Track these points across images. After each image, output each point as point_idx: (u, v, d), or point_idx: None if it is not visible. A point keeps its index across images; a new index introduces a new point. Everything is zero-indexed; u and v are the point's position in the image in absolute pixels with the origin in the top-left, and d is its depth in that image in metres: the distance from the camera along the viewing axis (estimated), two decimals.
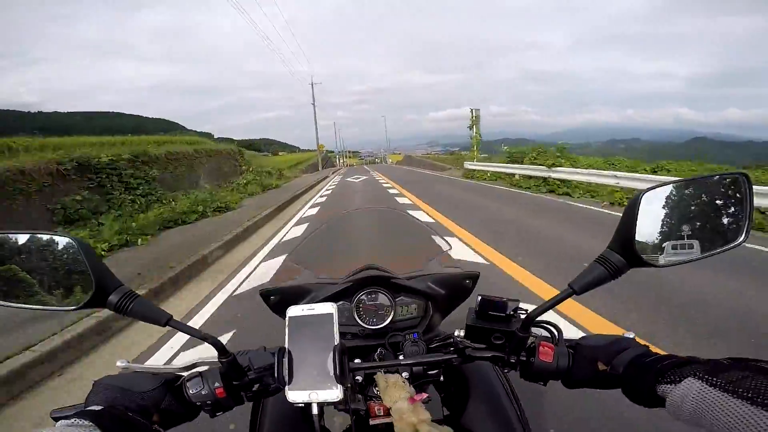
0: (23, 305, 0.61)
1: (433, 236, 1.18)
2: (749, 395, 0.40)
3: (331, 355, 0.60)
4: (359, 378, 0.74)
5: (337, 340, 0.62)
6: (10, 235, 0.61)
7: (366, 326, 0.91)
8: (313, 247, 1.18)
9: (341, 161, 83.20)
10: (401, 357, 0.78)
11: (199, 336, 0.63)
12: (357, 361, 0.79)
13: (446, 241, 1.15)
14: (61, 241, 0.60)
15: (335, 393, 0.59)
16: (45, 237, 0.61)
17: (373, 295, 0.93)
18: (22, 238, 0.61)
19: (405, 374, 0.72)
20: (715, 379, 0.44)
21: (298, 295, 0.94)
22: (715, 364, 0.47)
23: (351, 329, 0.92)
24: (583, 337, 0.68)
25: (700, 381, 0.45)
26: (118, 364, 0.71)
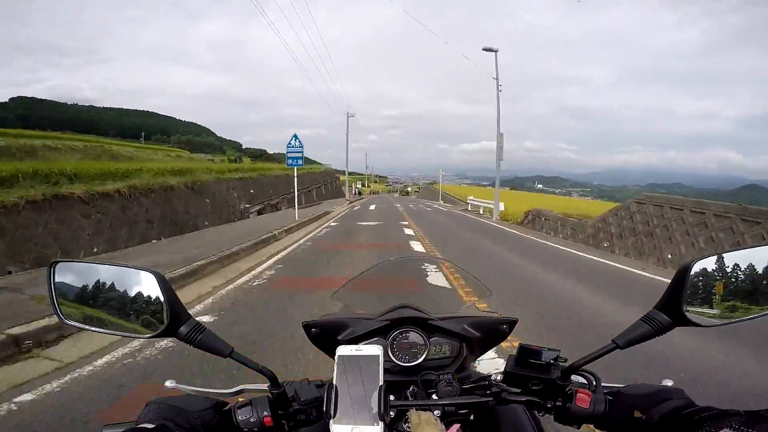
0: (100, 330, 0.66)
1: (475, 282, 1.20)
2: None
3: (376, 393, 0.63)
4: (392, 413, 0.76)
5: (381, 380, 0.65)
6: (94, 266, 0.68)
7: (399, 363, 0.92)
8: (356, 287, 1.21)
9: (353, 189, 60.42)
10: (434, 395, 0.80)
11: (257, 368, 0.66)
12: (391, 397, 0.80)
13: (487, 288, 1.17)
14: (144, 274, 0.65)
15: (377, 429, 0.61)
16: (130, 269, 0.67)
17: (408, 334, 0.94)
18: (105, 269, 0.67)
19: (437, 412, 0.74)
20: (751, 430, 0.44)
21: (338, 329, 0.96)
22: (754, 417, 0.47)
23: (385, 365, 0.93)
24: (626, 386, 0.69)
25: None
26: (167, 384, 0.74)
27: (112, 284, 0.66)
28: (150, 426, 0.56)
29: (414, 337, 0.94)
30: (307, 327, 0.96)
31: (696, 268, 0.61)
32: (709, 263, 0.62)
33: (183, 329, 0.64)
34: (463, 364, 0.96)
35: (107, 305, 0.66)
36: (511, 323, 0.98)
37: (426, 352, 0.93)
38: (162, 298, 0.63)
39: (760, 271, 0.62)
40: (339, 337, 0.95)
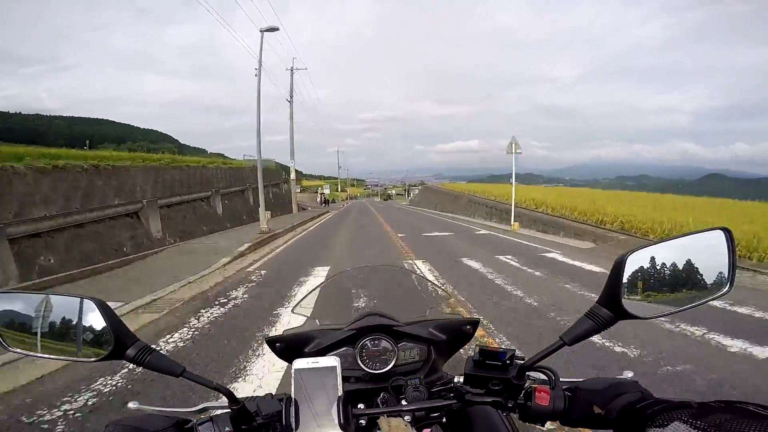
0: (48, 356, 0.66)
1: (433, 287, 1.21)
2: None
3: (336, 405, 0.64)
4: (362, 422, 0.76)
5: (340, 391, 0.66)
6: (34, 296, 0.68)
7: (369, 371, 0.93)
8: (320, 298, 1.21)
9: (319, 196, 55.91)
10: (404, 401, 0.81)
11: (211, 386, 0.66)
12: (360, 405, 0.81)
13: (446, 290, 1.19)
14: (86, 302, 0.65)
15: None
16: (71, 298, 0.67)
17: (376, 341, 0.95)
18: (45, 298, 0.68)
19: (407, 417, 0.74)
20: (699, 422, 0.46)
21: (303, 343, 0.96)
22: (704, 408, 0.49)
23: (355, 373, 0.93)
24: (583, 381, 0.71)
25: (686, 425, 0.47)
26: (130, 405, 0.73)
27: (56, 312, 0.66)
28: None
29: (383, 344, 0.95)
30: (271, 342, 0.96)
31: (631, 260, 0.62)
32: (644, 254, 0.63)
33: (130, 351, 0.63)
34: (433, 367, 0.97)
35: (52, 332, 0.66)
36: (474, 324, 0.99)
37: (395, 359, 0.94)
38: (106, 323, 0.63)
39: (695, 259, 0.64)
40: (306, 350, 0.96)
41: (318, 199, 46.54)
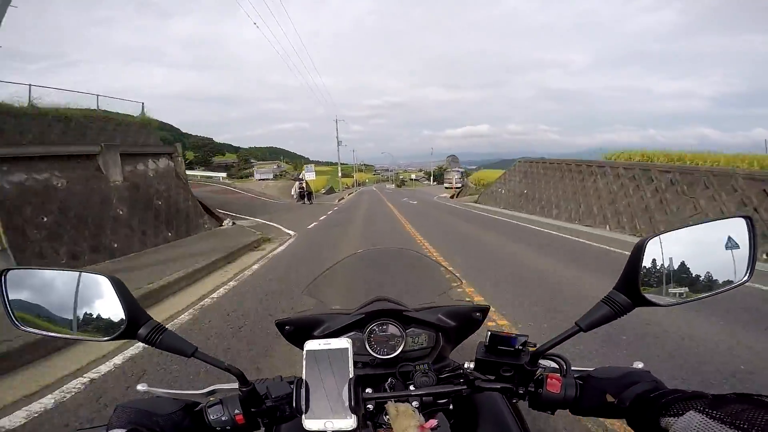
0: (59, 335, 0.65)
1: (444, 271, 1.20)
2: (745, 427, 0.42)
3: (346, 387, 0.63)
4: (370, 406, 0.76)
5: (351, 373, 0.65)
6: (47, 272, 0.67)
7: (377, 356, 0.93)
8: (327, 282, 1.20)
9: (295, 188, 27.73)
10: (411, 387, 0.80)
11: (222, 367, 0.65)
12: (368, 390, 0.81)
13: (457, 276, 1.17)
14: (98, 279, 0.65)
15: (349, 422, 0.62)
16: (83, 275, 0.66)
17: (385, 327, 0.95)
18: (60, 275, 0.67)
19: (415, 403, 0.74)
20: (715, 412, 0.46)
21: (312, 326, 0.97)
22: (719, 399, 0.48)
23: (362, 358, 0.94)
24: (595, 369, 0.70)
25: (701, 414, 0.47)
26: (139, 387, 0.74)
27: (69, 290, 0.66)
28: (120, 431, 0.55)
29: (391, 329, 0.95)
30: (280, 325, 0.96)
31: (651, 245, 0.61)
32: (665, 240, 0.62)
33: (142, 331, 0.63)
34: (441, 354, 0.97)
35: (64, 311, 0.65)
36: (484, 311, 0.99)
37: (403, 344, 0.93)
38: (119, 302, 0.63)
39: (716, 246, 0.63)
40: (315, 333, 0.96)
41: (293, 192, 27.52)
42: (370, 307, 0.98)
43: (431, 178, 70.97)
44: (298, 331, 0.95)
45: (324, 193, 42.76)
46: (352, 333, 0.95)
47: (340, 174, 57.34)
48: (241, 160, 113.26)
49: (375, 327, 0.95)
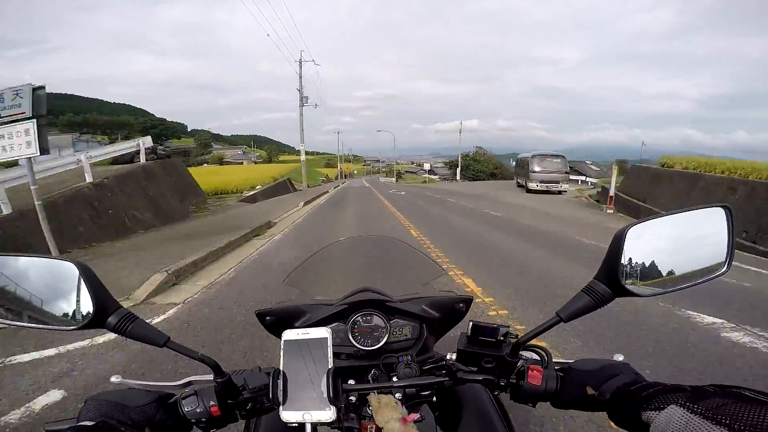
0: (24, 324, 0.62)
1: (427, 261, 1.20)
2: (727, 422, 0.42)
3: (325, 377, 0.62)
4: (353, 398, 0.76)
5: (330, 363, 0.64)
6: (11, 258, 0.64)
7: (361, 347, 0.92)
8: (309, 270, 1.19)
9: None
10: (395, 378, 0.80)
11: (195, 357, 0.64)
12: (351, 381, 0.81)
13: (440, 266, 1.17)
14: (64, 265, 0.62)
15: (328, 414, 0.61)
16: (48, 260, 0.63)
17: (368, 317, 0.94)
18: (24, 262, 0.63)
19: (398, 395, 0.74)
20: (696, 406, 0.46)
21: (294, 317, 0.95)
22: (699, 392, 0.49)
23: (346, 350, 0.93)
24: (575, 361, 0.70)
25: (683, 408, 0.47)
26: (113, 379, 0.72)
27: (34, 277, 0.63)
28: (90, 424, 0.54)
29: (375, 320, 0.94)
30: (260, 315, 0.94)
31: (632, 234, 0.60)
32: (645, 229, 0.62)
33: (111, 319, 0.61)
34: (424, 345, 0.96)
35: (28, 298, 0.62)
36: (467, 301, 0.99)
37: (387, 335, 0.93)
38: (87, 290, 0.60)
39: (695, 235, 0.63)
40: (296, 324, 0.95)
41: None
42: (353, 297, 0.96)
43: (457, 170, 50.68)
44: (279, 321, 0.94)
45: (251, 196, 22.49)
46: (334, 324, 0.94)
47: (303, 156, 33.37)
48: (199, 145, 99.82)
49: (359, 318, 0.94)
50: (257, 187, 27.63)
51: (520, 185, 25.46)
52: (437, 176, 79.15)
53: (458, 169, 51.03)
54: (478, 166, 56.93)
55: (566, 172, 23.26)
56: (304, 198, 18.79)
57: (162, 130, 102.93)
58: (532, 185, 22.37)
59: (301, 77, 31.85)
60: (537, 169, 22.35)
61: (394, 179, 67.10)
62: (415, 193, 24.56)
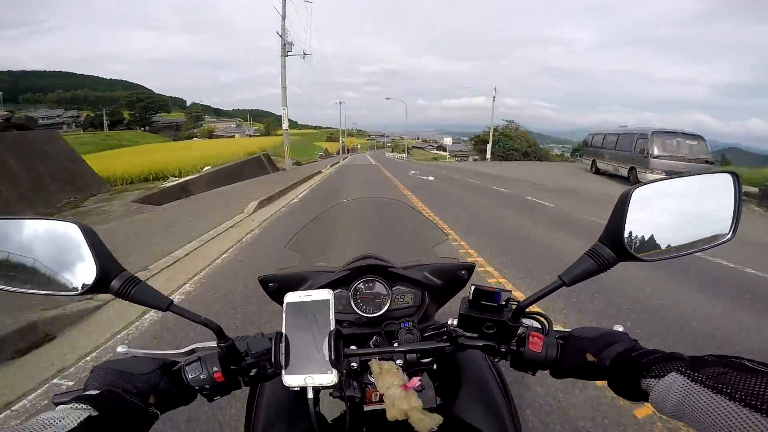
0: (25, 290, 0.61)
1: (430, 226, 1.19)
2: (728, 391, 0.42)
3: (327, 340, 0.62)
4: (354, 365, 0.76)
5: (332, 325, 0.64)
6: (10, 221, 0.62)
7: (362, 314, 0.93)
8: (311, 236, 1.18)
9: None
10: (396, 345, 0.80)
11: (199, 321, 0.64)
12: (353, 347, 0.81)
13: (443, 232, 1.17)
14: (65, 226, 0.60)
15: (330, 377, 0.61)
16: (48, 222, 0.62)
17: (370, 284, 0.94)
18: (24, 224, 0.61)
19: (399, 362, 0.74)
20: (696, 374, 0.46)
21: (296, 283, 0.96)
22: (698, 361, 0.49)
23: (348, 317, 0.93)
24: (574, 329, 0.70)
25: (683, 376, 0.47)
26: (119, 349, 0.73)
27: (35, 239, 0.61)
28: (95, 392, 0.54)
29: (377, 287, 0.95)
30: (263, 282, 0.95)
31: (636, 195, 0.59)
32: (649, 191, 0.60)
33: (115, 283, 0.60)
34: (426, 313, 0.97)
35: (30, 262, 0.61)
36: (469, 269, 0.99)
37: (389, 302, 0.93)
38: (90, 252, 0.59)
39: (701, 201, 0.62)
40: (299, 290, 0.95)
41: None
42: (355, 263, 0.97)
43: (486, 147, 39.68)
44: (281, 288, 0.94)
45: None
46: (337, 290, 0.94)
47: (285, 124, 22.62)
48: (190, 118, 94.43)
49: (361, 284, 0.94)
50: (205, 168, 19.66)
51: (599, 171, 18.65)
52: (447, 153, 70.85)
53: (489, 146, 40.15)
54: (510, 143, 44.03)
55: (707, 161, 14.88)
56: (269, 190, 11.44)
57: (149, 103, 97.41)
58: (650, 175, 13.89)
59: (284, 18, 21.95)
60: (661, 152, 14.63)
61: (404, 155, 60.97)
62: (456, 181, 16.35)
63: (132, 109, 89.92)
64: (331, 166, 28.09)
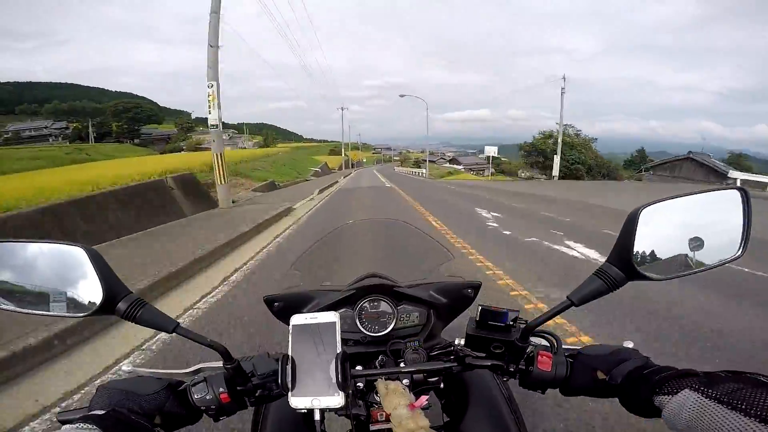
0: (32, 311, 0.62)
1: (436, 245, 1.19)
2: (743, 407, 0.41)
3: (334, 362, 0.62)
4: (360, 384, 0.76)
5: (339, 348, 0.63)
6: (19, 245, 0.63)
7: (368, 333, 0.92)
8: (317, 256, 1.19)
9: None
10: (402, 364, 0.80)
11: (205, 343, 0.64)
12: (358, 367, 0.81)
13: (448, 251, 1.16)
14: (71, 249, 0.61)
15: (337, 399, 0.61)
16: (56, 246, 0.63)
17: (376, 303, 0.94)
18: (31, 247, 0.63)
19: (405, 381, 0.74)
20: (710, 390, 0.45)
21: (301, 303, 0.95)
22: (712, 377, 0.48)
23: (353, 336, 0.93)
24: (584, 347, 0.69)
25: (696, 393, 0.46)
26: (124, 368, 0.73)
27: (42, 263, 0.62)
28: (101, 412, 0.54)
29: (382, 306, 0.94)
30: (269, 302, 0.95)
31: (645, 214, 0.59)
32: (658, 210, 0.60)
33: (121, 305, 0.60)
34: (432, 332, 0.96)
35: (37, 285, 0.62)
36: (476, 287, 0.98)
37: (394, 321, 0.93)
38: (96, 275, 0.60)
39: (710, 218, 0.62)
40: (304, 310, 0.95)
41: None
42: (361, 283, 0.96)
43: (555, 160, 29.78)
44: (287, 307, 0.94)
45: None
46: (342, 310, 0.94)
47: (214, 114, 10.99)
48: (181, 130, 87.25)
49: (366, 303, 0.94)
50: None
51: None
52: (462, 166, 64.60)
53: (557, 160, 29.81)
54: (573, 155, 33.75)
55: None
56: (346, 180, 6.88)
57: (137, 113, 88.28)
58: None
59: None
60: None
61: (425, 171, 43.83)
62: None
63: (119, 119, 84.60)
64: (322, 191, 18.98)
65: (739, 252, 0.61)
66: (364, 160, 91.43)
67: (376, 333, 0.92)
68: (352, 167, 58.54)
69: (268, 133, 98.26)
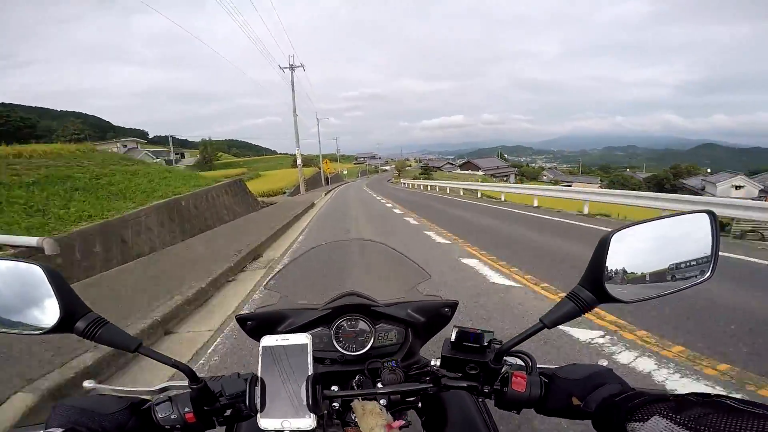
0: None
1: (413, 265, 1.19)
2: None
3: (305, 384, 0.61)
4: (336, 405, 0.75)
5: (310, 370, 0.62)
6: None
7: (345, 352, 0.90)
8: (293, 274, 1.17)
9: None
10: (379, 384, 0.78)
11: (169, 363, 0.62)
12: (334, 387, 0.79)
13: (425, 270, 1.16)
14: (30, 268, 0.60)
15: (308, 422, 0.59)
16: (11, 262, 0.61)
17: (353, 322, 0.92)
18: None
19: (383, 401, 0.73)
20: (679, 417, 0.46)
21: (275, 321, 0.93)
22: (682, 402, 0.49)
23: (330, 355, 0.91)
24: (559, 368, 0.70)
25: (666, 419, 0.47)
26: (86, 384, 0.70)
27: None
28: (59, 431, 0.52)
29: (360, 325, 0.92)
30: (241, 320, 0.92)
31: (615, 239, 0.60)
32: (628, 235, 0.61)
33: (80, 324, 0.59)
34: (410, 350, 0.95)
35: None
36: (452, 306, 0.98)
37: (372, 340, 0.91)
38: (53, 293, 0.58)
39: (679, 242, 0.63)
40: (279, 329, 0.93)
41: None
42: (338, 301, 0.95)
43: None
44: (260, 326, 0.92)
45: None
46: (319, 328, 0.92)
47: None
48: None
49: (343, 322, 0.92)
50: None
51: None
52: (482, 171, 56.93)
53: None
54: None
55: None
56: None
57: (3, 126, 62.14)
58: None
59: None
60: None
61: (448, 183, 28.86)
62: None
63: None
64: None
65: (709, 274, 0.63)
66: (345, 172, 74.82)
67: (353, 352, 0.90)
68: (328, 183, 45.52)
69: (206, 147, 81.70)
